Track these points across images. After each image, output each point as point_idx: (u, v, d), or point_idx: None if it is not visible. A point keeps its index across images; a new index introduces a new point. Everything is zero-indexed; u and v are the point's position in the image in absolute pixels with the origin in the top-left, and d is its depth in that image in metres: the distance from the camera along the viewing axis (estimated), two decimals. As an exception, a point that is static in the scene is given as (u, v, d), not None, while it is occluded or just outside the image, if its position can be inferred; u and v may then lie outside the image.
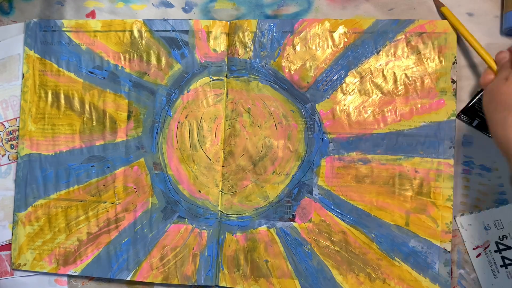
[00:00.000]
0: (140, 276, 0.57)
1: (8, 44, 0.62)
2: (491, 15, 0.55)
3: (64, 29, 0.60)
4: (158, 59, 0.58)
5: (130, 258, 0.58)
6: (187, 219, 0.57)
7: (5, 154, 0.61)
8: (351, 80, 0.55)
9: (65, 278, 0.59)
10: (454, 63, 0.53)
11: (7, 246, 0.60)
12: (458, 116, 0.54)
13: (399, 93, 0.54)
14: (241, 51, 0.57)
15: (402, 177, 0.53)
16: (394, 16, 0.56)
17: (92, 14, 0.61)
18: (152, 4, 0.60)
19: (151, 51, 0.58)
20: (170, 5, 0.60)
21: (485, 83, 0.48)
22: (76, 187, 0.59)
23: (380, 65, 0.54)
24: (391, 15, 0.56)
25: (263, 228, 0.56)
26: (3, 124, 0.61)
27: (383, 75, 0.54)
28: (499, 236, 0.53)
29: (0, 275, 0.60)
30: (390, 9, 0.56)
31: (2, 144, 0.61)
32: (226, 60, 0.57)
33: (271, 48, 0.56)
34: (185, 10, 0.60)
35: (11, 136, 0.61)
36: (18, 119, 0.61)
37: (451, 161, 0.53)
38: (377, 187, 0.54)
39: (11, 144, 0.61)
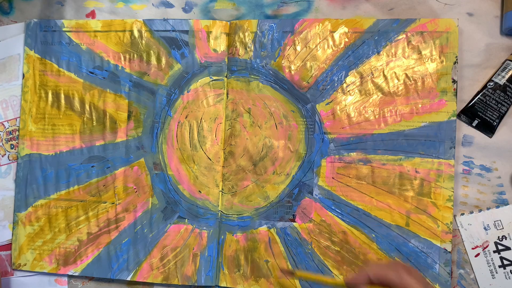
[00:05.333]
0: (140, 276, 0.56)
1: (8, 44, 0.60)
2: (491, 15, 0.54)
3: (64, 29, 0.59)
4: (158, 59, 0.57)
5: (130, 258, 0.56)
6: (187, 219, 0.56)
7: (5, 154, 0.60)
8: (352, 80, 0.54)
9: (65, 278, 0.58)
10: (455, 63, 0.51)
11: (7, 246, 0.59)
12: (458, 116, 0.53)
13: (400, 93, 0.53)
14: (241, 51, 0.55)
15: (403, 177, 0.52)
16: (394, 15, 0.55)
17: (92, 14, 0.59)
18: (152, 4, 0.59)
19: (151, 51, 0.57)
20: (170, 5, 0.58)
21: None
22: (76, 187, 0.58)
23: (380, 65, 0.53)
24: (391, 14, 0.55)
25: (264, 228, 0.54)
26: (3, 124, 0.60)
27: (384, 75, 0.53)
28: (499, 237, 0.52)
29: (0, 275, 0.58)
30: (390, 9, 0.55)
31: (2, 144, 0.60)
32: (226, 60, 0.56)
33: (271, 48, 0.55)
34: (185, 10, 0.58)
35: (11, 136, 0.60)
36: (18, 119, 0.60)
37: (452, 162, 0.51)
38: (377, 187, 0.53)
39: (11, 144, 0.59)
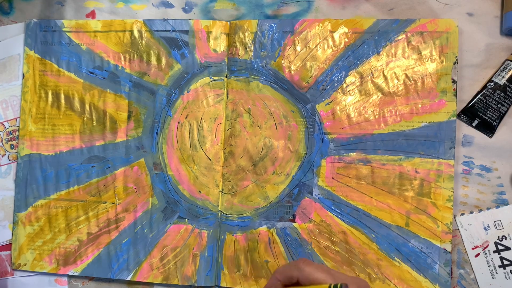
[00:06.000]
0: (140, 276, 0.56)
1: (8, 44, 0.60)
2: (491, 15, 0.53)
3: (64, 29, 0.58)
4: (158, 59, 0.57)
5: (130, 258, 0.56)
6: (187, 219, 0.56)
7: (5, 154, 0.59)
8: (352, 80, 0.53)
9: (65, 278, 0.58)
10: (455, 63, 0.51)
11: (7, 246, 0.59)
12: (458, 116, 0.53)
13: (400, 93, 0.53)
14: (241, 51, 0.55)
15: (403, 177, 0.52)
16: (394, 16, 0.54)
17: (92, 14, 0.59)
18: (152, 4, 0.58)
19: (151, 51, 0.57)
20: (170, 5, 0.58)
21: None
22: (76, 187, 0.57)
23: (380, 65, 0.53)
24: (391, 15, 0.55)
25: (264, 228, 0.54)
26: (3, 124, 0.60)
27: (384, 75, 0.53)
28: (499, 237, 0.51)
29: (0, 275, 0.58)
30: (390, 9, 0.55)
31: (2, 144, 0.59)
32: (226, 60, 0.56)
33: (271, 49, 0.55)
34: (185, 10, 0.58)
35: (11, 136, 0.59)
36: (18, 119, 0.59)
37: (452, 162, 0.51)
38: (377, 187, 0.52)
39: (11, 144, 0.59)
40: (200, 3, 0.58)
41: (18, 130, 0.59)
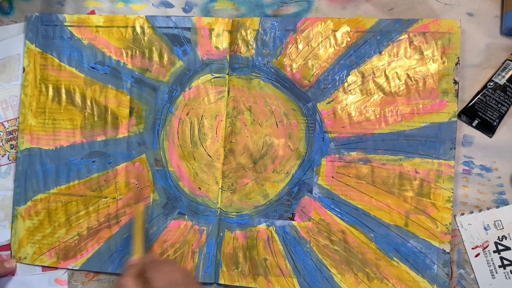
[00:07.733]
0: (139, 272, 0.54)
1: (8, 44, 0.58)
2: (491, 15, 0.52)
3: (66, 23, 0.57)
4: (160, 56, 0.55)
5: (131, 253, 0.54)
6: (187, 215, 0.54)
7: (5, 154, 0.58)
8: (353, 79, 0.52)
9: (65, 278, 0.56)
10: (457, 64, 0.50)
11: (8, 246, 0.57)
12: (458, 116, 0.52)
13: (401, 93, 0.51)
14: (243, 48, 0.54)
15: (402, 177, 0.51)
16: (394, 15, 0.53)
17: (92, 14, 0.57)
18: (152, 4, 0.57)
19: (153, 48, 0.55)
20: (170, 5, 0.57)
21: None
22: (76, 182, 0.56)
23: (382, 65, 0.51)
24: (391, 15, 0.53)
25: (263, 226, 0.53)
26: (3, 124, 0.58)
27: (385, 75, 0.51)
28: (499, 237, 0.50)
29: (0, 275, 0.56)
30: (390, 9, 0.53)
31: (2, 144, 0.58)
32: (228, 57, 0.54)
33: (273, 46, 0.53)
34: (185, 10, 0.57)
35: (11, 136, 0.58)
36: (18, 119, 0.57)
37: (452, 162, 0.50)
38: (377, 187, 0.51)
39: (11, 144, 0.58)
40: (200, 3, 0.56)
41: (18, 130, 0.57)
